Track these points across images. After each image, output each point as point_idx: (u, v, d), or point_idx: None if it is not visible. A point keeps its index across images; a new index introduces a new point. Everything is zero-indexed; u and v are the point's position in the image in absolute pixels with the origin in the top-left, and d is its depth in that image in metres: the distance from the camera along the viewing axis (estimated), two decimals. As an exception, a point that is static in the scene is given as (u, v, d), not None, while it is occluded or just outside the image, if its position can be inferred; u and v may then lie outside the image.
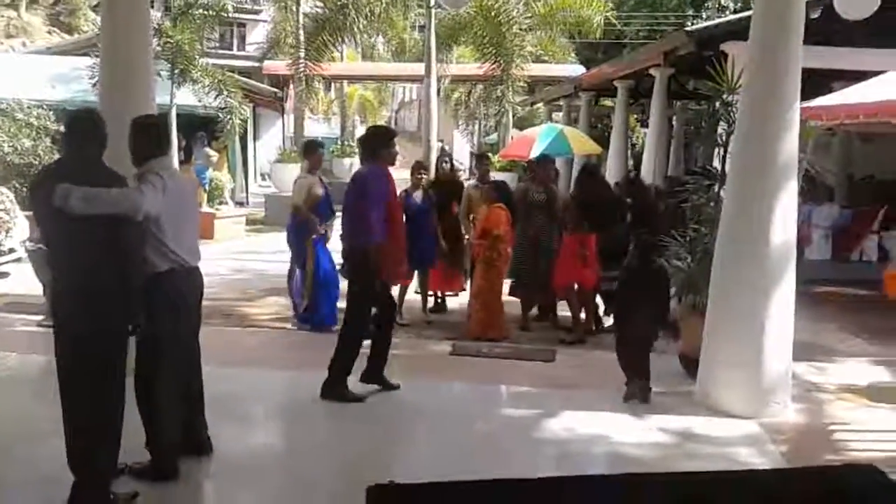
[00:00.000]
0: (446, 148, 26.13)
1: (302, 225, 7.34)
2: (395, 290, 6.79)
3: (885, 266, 9.56)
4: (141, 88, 5.77)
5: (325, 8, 18.27)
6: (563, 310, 7.77)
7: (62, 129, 3.89)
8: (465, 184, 8.87)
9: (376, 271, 5.44)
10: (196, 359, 4.35)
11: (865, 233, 11.37)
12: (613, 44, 26.26)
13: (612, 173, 14.60)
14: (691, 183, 6.60)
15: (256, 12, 34.92)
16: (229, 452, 4.49)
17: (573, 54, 22.65)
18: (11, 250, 9.79)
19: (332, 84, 27.65)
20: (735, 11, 21.49)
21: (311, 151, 7.78)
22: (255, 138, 25.24)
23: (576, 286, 7.46)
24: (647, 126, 17.74)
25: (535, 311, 8.06)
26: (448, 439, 5.07)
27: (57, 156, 12.55)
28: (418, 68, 18.00)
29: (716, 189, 6.30)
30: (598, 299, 7.65)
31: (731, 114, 6.15)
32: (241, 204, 18.94)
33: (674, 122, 18.71)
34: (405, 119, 44.19)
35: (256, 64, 25.88)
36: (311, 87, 18.60)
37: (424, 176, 8.12)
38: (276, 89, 22.47)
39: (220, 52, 28.02)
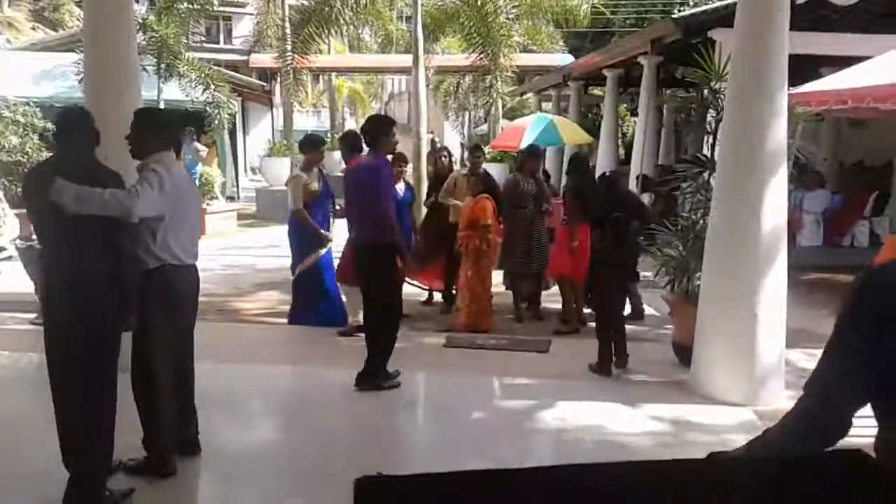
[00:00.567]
0: (436, 139, 26.09)
1: (302, 226, 7.14)
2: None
3: (876, 252, 9.59)
4: (126, 83, 5.74)
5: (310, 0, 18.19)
6: (549, 301, 7.80)
7: (54, 125, 3.84)
8: (455, 170, 8.83)
9: (394, 264, 5.64)
10: (189, 358, 4.32)
11: (856, 218, 11.42)
12: (601, 32, 26.24)
13: (602, 162, 14.63)
14: (681, 171, 6.61)
15: (242, 5, 34.69)
16: (223, 448, 4.49)
17: (561, 43, 22.59)
18: (2, 249, 9.75)
19: (321, 77, 27.52)
20: (722, -2, 21.47)
21: (311, 148, 7.39)
22: (244, 132, 25.18)
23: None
24: (637, 115, 17.74)
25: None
26: (443, 431, 5.08)
27: (45, 153, 12.52)
28: (406, 60, 17.93)
29: (706, 176, 6.31)
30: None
31: (720, 101, 6.15)
32: (231, 199, 18.89)
33: (664, 111, 18.72)
34: (395, 111, 44.03)
35: (243, 57, 25.72)
36: (298, 80, 18.50)
37: (404, 168, 8.03)
38: (263, 83, 22.39)
39: (207, 45, 27.84)
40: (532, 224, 7.67)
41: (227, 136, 19.20)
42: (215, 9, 19.83)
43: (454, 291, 7.98)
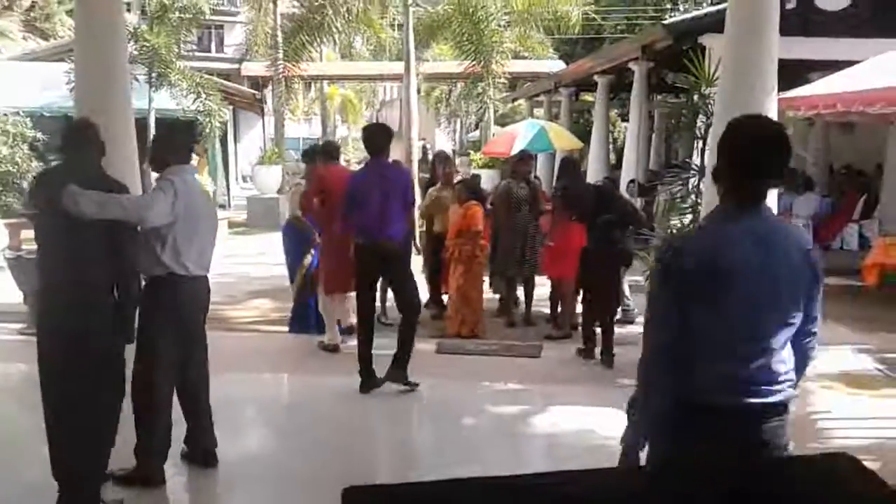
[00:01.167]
0: (428, 146, 26.09)
1: (298, 232, 7.13)
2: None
3: (865, 254, 9.64)
4: (117, 93, 5.74)
5: (302, 8, 18.20)
6: (540, 306, 7.81)
7: (62, 136, 3.87)
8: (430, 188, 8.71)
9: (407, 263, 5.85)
10: (198, 369, 4.29)
11: (845, 222, 11.45)
12: (592, 38, 26.31)
13: (593, 168, 14.65)
14: (671, 176, 6.64)
15: (234, 14, 34.71)
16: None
17: (552, 50, 22.66)
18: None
19: (313, 84, 27.54)
20: (712, 3, 21.59)
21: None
22: (235, 140, 25.13)
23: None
24: (627, 120, 17.79)
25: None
26: (435, 437, 5.08)
27: (35, 163, 12.47)
28: (398, 67, 17.96)
29: (695, 182, 6.33)
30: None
31: (709, 106, 6.18)
32: (222, 207, 18.85)
33: (655, 116, 18.78)
34: (387, 118, 44.09)
35: (235, 66, 25.71)
36: (290, 88, 18.52)
37: None
38: (255, 91, 22.36)
39: (198, 54, 27.81)
40: (526, 228, 7.68)
41: (218, 145, 19.16)
42: (207, 18, 19.76)
43: (443, 297, 7.98)
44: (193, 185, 4.16)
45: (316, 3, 16.90)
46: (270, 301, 8.86)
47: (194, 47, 28.19)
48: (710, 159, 5.74)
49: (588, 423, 5.10)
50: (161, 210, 3.82)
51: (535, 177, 9.56)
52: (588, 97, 20.78)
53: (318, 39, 17.69)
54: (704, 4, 23.46)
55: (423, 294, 8.37)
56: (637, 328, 7.53)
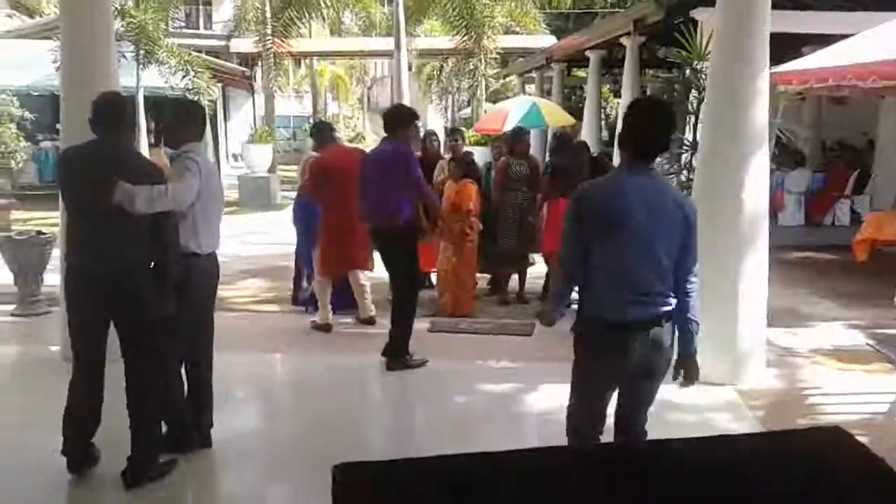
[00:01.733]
0: (419, 124, 25.95)
1: (308, 204, 7.07)
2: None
3: (857, 229, 9.66)
4: (103, 70, 5.66)
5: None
6: (532, 285, 7.79)
7: (93, 111, 3.80)
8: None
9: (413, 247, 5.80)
10: (202, 349, 4.30)
11: (837, 197, 11.47)
12: (584, 13, 26.14)
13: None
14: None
15: (222, -10, 34.31)
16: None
17: (544, 25, 22.51)
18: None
19: (303, 62, 27.32)
20: (704, -22, 21.42)
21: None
22: (225, 119, 24.98)
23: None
24: (620, 96, 17.72)
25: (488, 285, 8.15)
26: (428, 415, 5.09)
27: (23, 142, 12.37)
28: (388, 43, 17.83)
29: (688, 158, 6.32)
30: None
31: (702, 81, 6.15)
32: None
33: (647, 91, 18.71)
34: (378, 95, 43.85)
35: (224, 42, 25.44)
36: (279, 64, 18.36)
37: None
38: (244, 68, 22.18)
39: (187, 31, 27.51)
40: (523, 206, 7.64)
41: (207, 123, 19.02)
42: (194, -7, 19.57)
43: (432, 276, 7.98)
44: (208, 162, 4.23)
45: (305, -22, 16.76)
46: (262, 280, 8.84)
47: (182, 24, 27.91)
48: (702, 134, 5.72)
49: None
50: (195, 192, 3.87)
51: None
52: (580, 73, 20.70)
53: (308, 15, 17.54)
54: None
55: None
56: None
